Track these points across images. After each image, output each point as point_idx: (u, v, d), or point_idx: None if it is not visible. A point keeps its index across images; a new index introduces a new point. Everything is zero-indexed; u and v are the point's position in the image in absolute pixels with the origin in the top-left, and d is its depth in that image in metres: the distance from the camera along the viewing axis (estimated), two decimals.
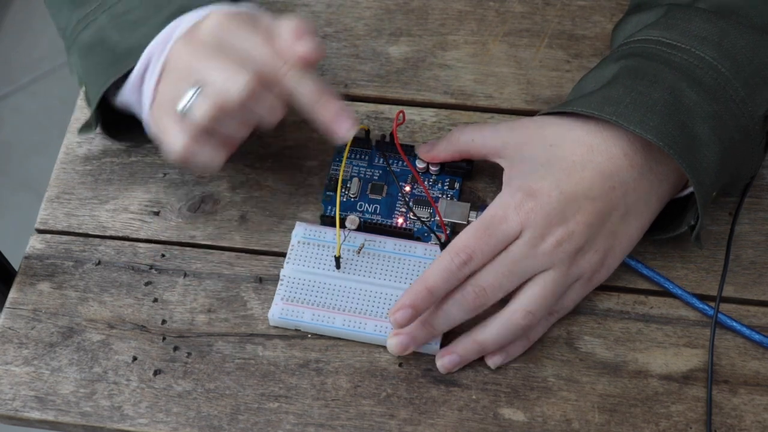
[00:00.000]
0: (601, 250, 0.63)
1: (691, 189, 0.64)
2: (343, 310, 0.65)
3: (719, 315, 0.65)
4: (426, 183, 0.70)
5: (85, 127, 0.70)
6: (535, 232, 0.61)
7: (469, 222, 0.67)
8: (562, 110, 0.64)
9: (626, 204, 0.63)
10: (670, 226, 0.66)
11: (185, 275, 0.68)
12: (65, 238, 0.70)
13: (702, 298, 0.66)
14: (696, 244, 0.64)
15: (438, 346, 0.64)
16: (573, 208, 0.61)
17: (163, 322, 0.67)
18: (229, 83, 0.59)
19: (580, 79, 0.68)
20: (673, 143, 0.60)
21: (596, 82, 0.66)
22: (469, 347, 0.63)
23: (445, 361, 0.63)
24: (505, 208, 0.61)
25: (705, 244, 0.68)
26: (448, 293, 0.62)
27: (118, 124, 0.71)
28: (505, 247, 0.61)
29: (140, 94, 0.66)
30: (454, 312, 0.62)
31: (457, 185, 0.70)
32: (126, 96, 0.67)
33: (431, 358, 0.64)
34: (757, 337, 0.64)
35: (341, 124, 0.61)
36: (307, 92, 0.60)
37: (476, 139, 0.66)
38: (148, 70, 0.65)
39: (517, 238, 0.61)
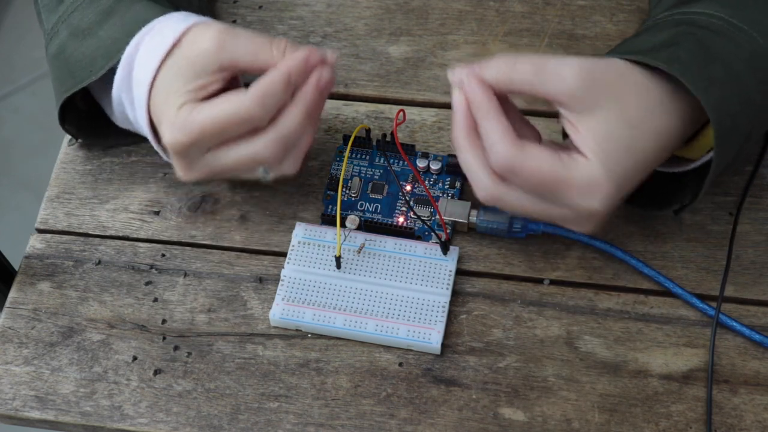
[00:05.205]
0: None
1: (688, 167, 0.63)
2: (344, 310, 0.65)
3: (719, 315, 0.65)
4: (427, 182, 0.70)
5: (71, 139, 0.74)
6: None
7: (470, 221, 0.67)
8: (638, 59, 0.59)
9: None
10: (661, 203, 0.65)
11: (185, 275, 0.68)
12: (65, 237, 0.70)
13: (702, 297, 0.66)
14: (675, 216, 0.64)
15: (439, 346, 0.64)
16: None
17: (163, 321, 0.67)
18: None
19: (632, 37, 0.64)
20: (723, 129, 0.59)
21: (655, 40, 0.61)
22: None
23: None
24: (602, 202, 0.58)
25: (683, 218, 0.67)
26: None
27: (98, 123, 0.72)
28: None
29: (130, 92, 0.66)
30: None
31: (457, 184, 0.70)
32: (116, 94, 0.67)
33: (431, 358, 0.64)
34: (757, 337, 0.64)
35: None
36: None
37: (535, 83, 0.59)
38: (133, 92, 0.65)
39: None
